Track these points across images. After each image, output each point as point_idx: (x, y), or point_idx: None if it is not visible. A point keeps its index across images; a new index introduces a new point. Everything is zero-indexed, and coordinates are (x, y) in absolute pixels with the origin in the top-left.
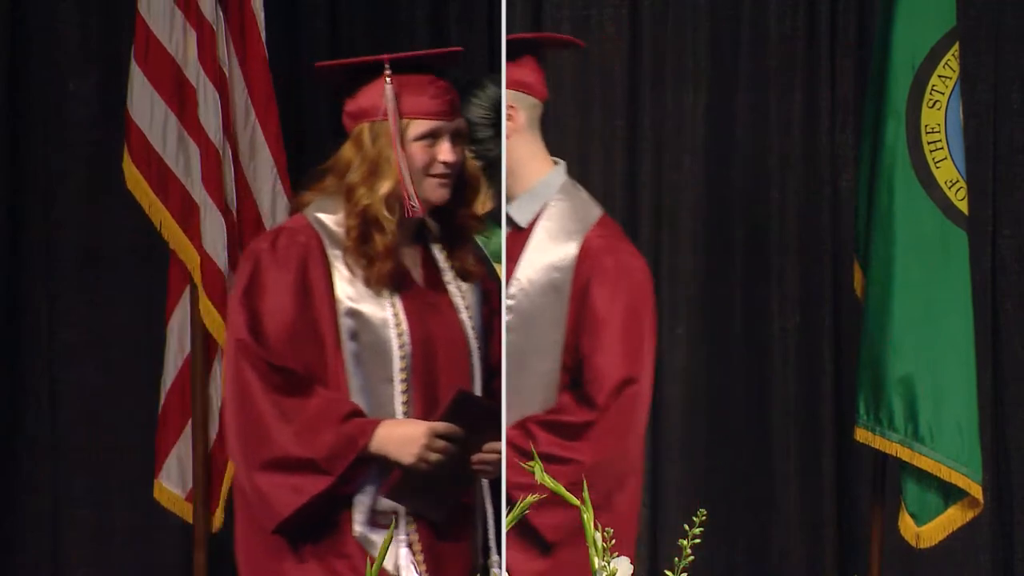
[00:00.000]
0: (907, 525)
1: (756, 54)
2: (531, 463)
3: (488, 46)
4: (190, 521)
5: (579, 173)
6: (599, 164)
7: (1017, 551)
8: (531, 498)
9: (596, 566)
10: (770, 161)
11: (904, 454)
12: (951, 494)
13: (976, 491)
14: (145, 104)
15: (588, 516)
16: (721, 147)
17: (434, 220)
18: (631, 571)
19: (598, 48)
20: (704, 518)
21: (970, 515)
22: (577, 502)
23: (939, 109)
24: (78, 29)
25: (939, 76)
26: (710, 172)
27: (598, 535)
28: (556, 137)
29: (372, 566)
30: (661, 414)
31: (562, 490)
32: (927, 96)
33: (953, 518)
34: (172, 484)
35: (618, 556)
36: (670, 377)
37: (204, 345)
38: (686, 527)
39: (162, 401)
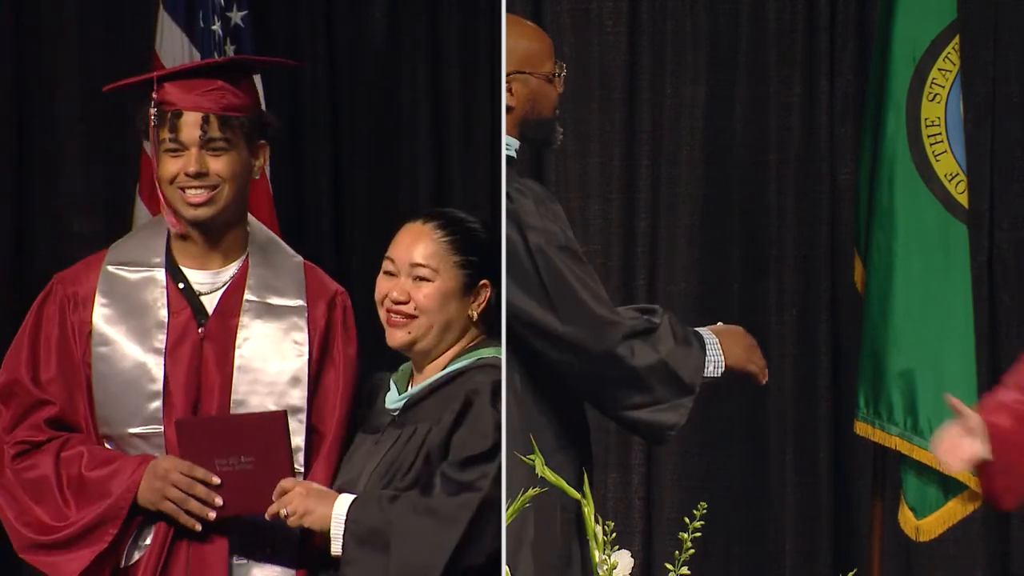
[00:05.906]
0: (907, 518)
1: (755, 47)
2: (531, 456)
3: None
4: None
5: (577, 166)
6: (597, 157)
7: (1013, 545)
8: (532, 492)
9: (596, 559)
10: (769, 154)
11: (904, 447)
12: (951, 488)
13: (975, 485)
14: None
15: (589, 510)
16: (720, 140)
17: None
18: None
19: (597, 40)
20: (704, 511)
21: (970, 508)
22: (578, 496)
23: (939, 102)
24: (82, 169)
25: (939, 69)
26: (709, 165)
27: (598, 528)
28: None
29: None
30: None
31: (563, 484)
32: (927, 89)
33: (953, 511)
34: None
35: (619, 549)
36: None
37: None
38: (687, 520)
39: None
